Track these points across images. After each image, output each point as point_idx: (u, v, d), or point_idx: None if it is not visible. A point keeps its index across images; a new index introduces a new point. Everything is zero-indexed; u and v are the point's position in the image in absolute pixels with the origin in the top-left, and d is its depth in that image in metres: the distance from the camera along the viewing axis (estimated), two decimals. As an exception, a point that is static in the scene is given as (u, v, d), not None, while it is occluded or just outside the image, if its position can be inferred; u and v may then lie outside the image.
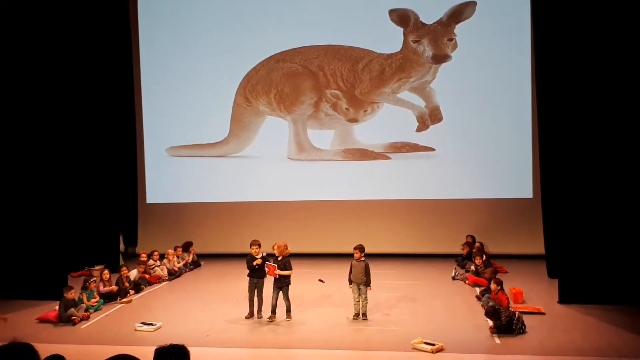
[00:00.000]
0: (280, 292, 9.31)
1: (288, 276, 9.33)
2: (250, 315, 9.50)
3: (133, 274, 11.54)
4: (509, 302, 8.93)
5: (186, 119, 14.74)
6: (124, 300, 10.66)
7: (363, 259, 9.37)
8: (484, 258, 11.64)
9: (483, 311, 9.44)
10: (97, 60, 13.09)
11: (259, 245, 9.56)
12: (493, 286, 9.61)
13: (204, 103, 14.65)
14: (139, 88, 14.89)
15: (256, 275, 9.47)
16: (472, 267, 11.63)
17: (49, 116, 11.37)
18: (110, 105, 13.54)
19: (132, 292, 11.10)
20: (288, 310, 9.41)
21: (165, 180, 14.98)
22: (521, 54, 13.25)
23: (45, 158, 11.27)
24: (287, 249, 9.42)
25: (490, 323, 8.68)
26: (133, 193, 15.04)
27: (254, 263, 9.41)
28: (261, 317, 9.43)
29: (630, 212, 9.45)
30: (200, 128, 14.71)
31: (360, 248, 9.43)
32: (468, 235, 13.08)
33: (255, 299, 9.49)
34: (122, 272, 11.23)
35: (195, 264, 13.60)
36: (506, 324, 8.38)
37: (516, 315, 8.50)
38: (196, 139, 14.78)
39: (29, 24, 11.16)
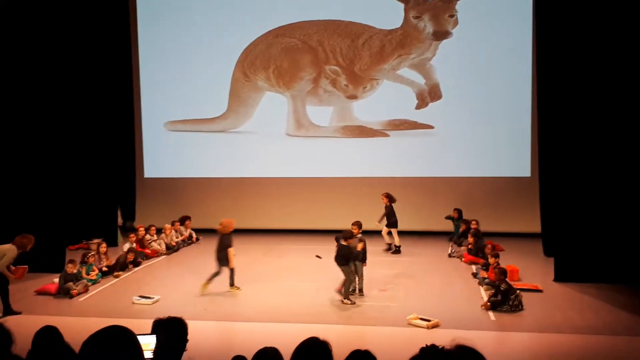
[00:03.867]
0: None
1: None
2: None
3: (126, 246, 11.55)
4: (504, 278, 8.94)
5: (184, 93, 14.63)
6: (118, 273, 10.74)
7: (360, 235, 9.40)
8: (475, 240, 11.52)
9: (479, 288, 9.52)
10: (95, 35, 12.95)
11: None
12: (492, 260, 9.71)
13: (203, 78, 14.53)
14: (137, 62, 14.75)
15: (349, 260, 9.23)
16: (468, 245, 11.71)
17: (45, 91, 11.28)
18: (107, 79, 13.44)
19: (131, 266, 11.17)
20: None
21: (163, 154, 14.93)
22: (522, 31, 13.13)
23: (43, 133, 11.22)
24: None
25: (485, 298, 8.75)
26: (131, 167, 15.00)
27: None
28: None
29: (628, 191, 9.47)
30: (199, 103, 14.61)
31: (358, 224, 9.46)
32: (455, 209, 13.16)
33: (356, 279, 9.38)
34: (124, 248, 11.45)
35: (191, 239, 13.59)
36: (501, 299, 8.45)
37: (516, 292, 8.56)
38: (194, 114, 14.70)
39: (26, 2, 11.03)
